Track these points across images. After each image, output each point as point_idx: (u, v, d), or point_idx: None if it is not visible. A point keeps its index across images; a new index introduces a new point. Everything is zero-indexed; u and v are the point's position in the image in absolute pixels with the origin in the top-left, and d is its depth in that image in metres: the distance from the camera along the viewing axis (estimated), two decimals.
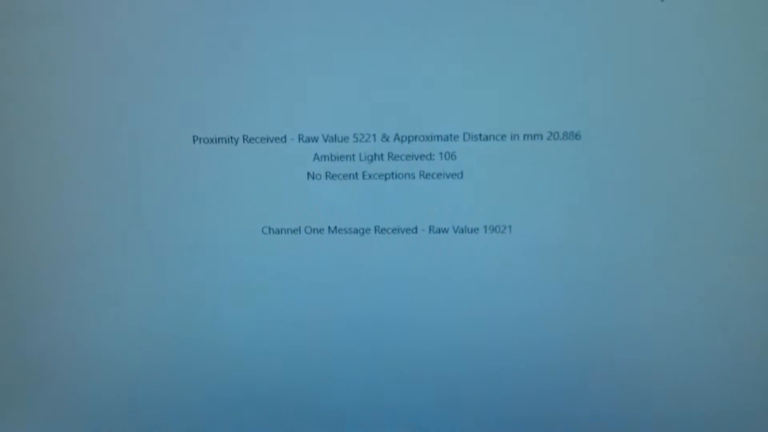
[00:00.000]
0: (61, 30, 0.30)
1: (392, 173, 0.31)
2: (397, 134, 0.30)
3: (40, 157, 0.32)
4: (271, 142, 0.31)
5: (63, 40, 0.30)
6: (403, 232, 0.31)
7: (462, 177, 0.31)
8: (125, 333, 0.34)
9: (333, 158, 0.31)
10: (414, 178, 0.31)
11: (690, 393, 0.33)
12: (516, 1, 0.29)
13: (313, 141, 0.31)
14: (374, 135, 0.30)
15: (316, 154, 0.31)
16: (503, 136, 0.30)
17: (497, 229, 0.31)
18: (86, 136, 0.31)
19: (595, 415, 0.34)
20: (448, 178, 0.31)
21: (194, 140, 0.31)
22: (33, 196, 0.32)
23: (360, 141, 0.31)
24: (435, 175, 0.31)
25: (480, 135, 0.30)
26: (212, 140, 0.31)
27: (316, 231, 0.32)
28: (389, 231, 0.32)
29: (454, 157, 0.31)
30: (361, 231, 0.32)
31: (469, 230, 0.31)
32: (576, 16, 0.29)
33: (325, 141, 0.31)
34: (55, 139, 0.31)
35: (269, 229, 0.32)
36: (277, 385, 0.34)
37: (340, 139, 0.31)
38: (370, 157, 0.31)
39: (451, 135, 0.30)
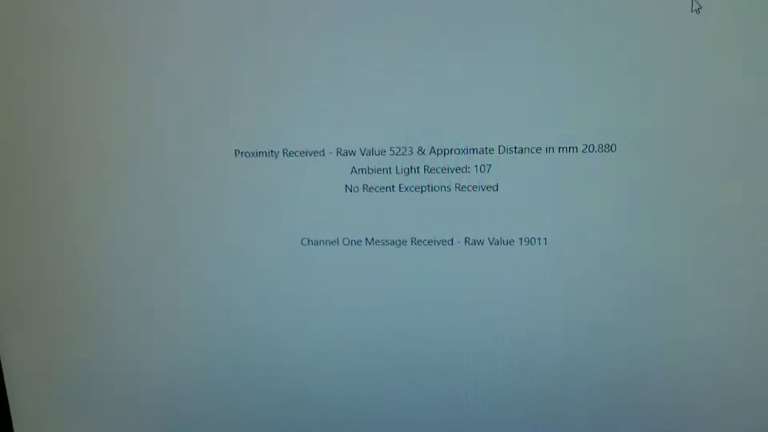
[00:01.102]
0: (108, 48, 0.31)
1: (428, 186, 0.31)
2: (433, 147, 0.31)
3: (87, 175, 0.33)
4: (310, 155, 0.31)
5: (111, 59, 0.31)
6: (439, 244, 0.32)
7: (497, 189, 0.31)
8: (166, 342, 0.35)
9: (370, 171, 0.31)
10: (450, 190, 0.31)
11: (739, 406, 0.33)
12: (552, 17, 0.29)
13: (350, 154, 0.31)
14: (410, 148, 0.31)
15: (353, 167, 0.31)
16: (538, 149, 0.30)
17: (533, 241, 0.31)
18: (131, 152, 0.32)
19: (622, 428, 0.33)
20: (483, 190, 0.31)
21: (236, 154, 0.32)
22: (79, 211, 0.33)
23: (396, 154, 0.31)
24: (470, 188, 0.31)
25: (515, 148, 0.31)
26: (253, 154, 0.32)
27: (353, 242, 0.32)
28: (425, 243, 0.32)
29: (489, 170, 0.31)
30: (398, 243, 0.32)
31: (505, 242, 0.31)
32: (611, 29, 0.29)
33: (363, 154, 0.31)
34: (101, 155, 0.33)
35: (308, 240, 0.32)
36: (313, 393, 0.35)
37: (377, 153, 0.31)
38: (406, 170, 0.31)
39: (486, 148, 0.31)
